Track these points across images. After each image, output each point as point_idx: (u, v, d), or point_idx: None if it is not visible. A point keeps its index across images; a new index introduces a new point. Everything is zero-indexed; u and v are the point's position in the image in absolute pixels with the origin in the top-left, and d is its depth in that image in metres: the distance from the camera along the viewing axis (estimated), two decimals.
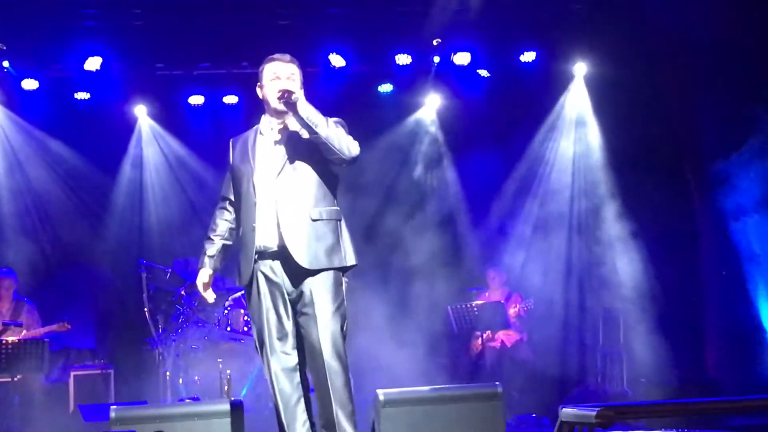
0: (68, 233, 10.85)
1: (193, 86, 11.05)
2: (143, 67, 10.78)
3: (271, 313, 5.09)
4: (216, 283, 9.37)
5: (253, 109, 10.14)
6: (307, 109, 4.94)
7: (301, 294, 5.05)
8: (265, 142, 5.25)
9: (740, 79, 9.92)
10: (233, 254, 5.56)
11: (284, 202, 5.07)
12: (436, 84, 11.28)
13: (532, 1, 10.27)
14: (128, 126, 11.14)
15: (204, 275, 5.37)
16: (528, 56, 11.04)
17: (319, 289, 5.04)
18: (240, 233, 5.30)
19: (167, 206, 11.07)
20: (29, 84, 10.64)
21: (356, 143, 5.08)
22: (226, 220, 5.44)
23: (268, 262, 5.11)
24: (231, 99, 11.10)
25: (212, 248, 5.40)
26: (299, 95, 4.95)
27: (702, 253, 10.79)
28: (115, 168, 11.01)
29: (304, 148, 5.10)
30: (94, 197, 10.97)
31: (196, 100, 11.10)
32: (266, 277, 5.11)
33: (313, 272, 5.03)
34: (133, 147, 11.14)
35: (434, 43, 10.83)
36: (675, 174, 10.79)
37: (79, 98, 10.85)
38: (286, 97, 4.96)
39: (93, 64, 10.40)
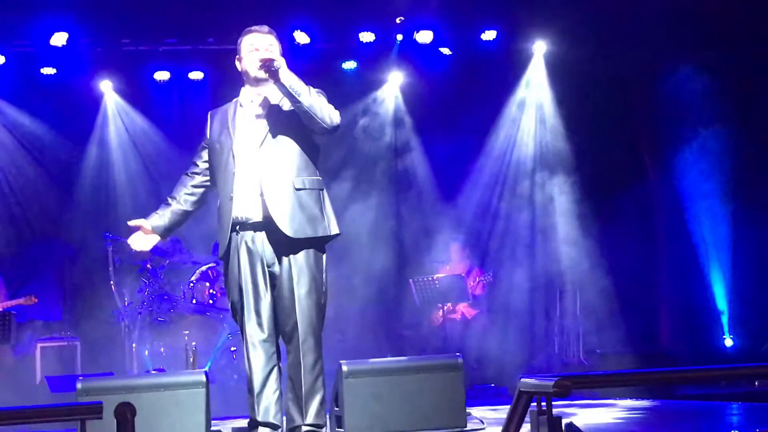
0: (35, 207, 10.81)
1: (158, 62, 10.99)
2: (109, 42, 10.73)
3: (249, 285, 5.07)
4: (182, 256, 9.45)
5: (218, 84, 10.20)
6: (289, 78, 4.89)
7: (281, 265, 5.04)
8: (245, 114, 5.19)
9: (699, 63, 10.00)
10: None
11: (267, 172, 5.03)
12: (399, 61, 11.29)
13: None
14: (95, 101, 11.09)
15: (139, 222, 5.31)
16: (489, 35, 11.06)
17: (301, 261, 5.05)
18: (219, 203, 5.21)
19: (132, 181, 11.04)
20: None
21: (337, 112, 5.07)
22: (185, 185, 5.35)
23: (250, 233, 5.06)
24: (197, 75, 11.08)
25: (162, 208, 5.33)
26: (281, 63, 4.90)
27: (657, 233, 10.89)
28: (82, 143, 10.97)
29: (285, 119, 5.07)
30: (60, 171, 10.93)
31: (162, 75, 11.04)
32: (247, 248, 5.07)
33: (296, 242, 5.02)
34: (99, 122, 11.10)
35: (397, 21, 10.84)
36: (633, 154, 10.87)
37: (45, 73, 10.79)
38: (268, 64, 4.90)
39: (59, 39, 10.34)
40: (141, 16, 10.40)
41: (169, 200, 5.35)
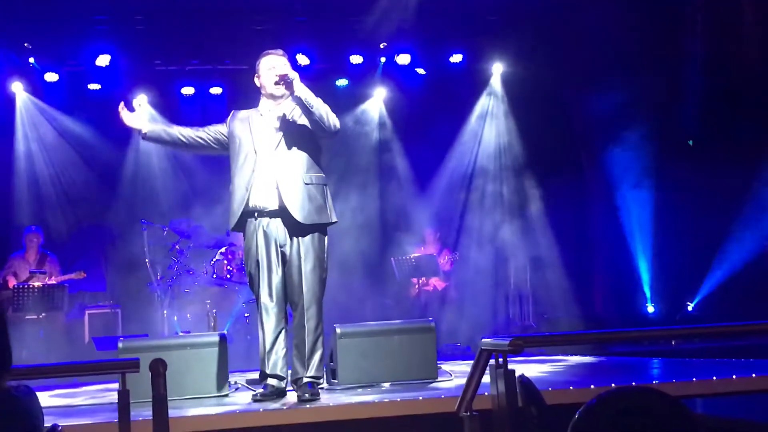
0: (83, 199, 10.77)
1: (185, 79, 11.00)
2: (144, 63, 10.72)
3: (264, 261, 5.19)
4: (204, 239, 9.43)
5: (234, 98, 10.17)
6: (303, 89, 5.03)
7: (291, 246, 5.16)
8: (263, 121, 5.29)
9: (623, 81, 10.04)
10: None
11: (282, 170, 5.15)
12: (383, 79, 11.27)
13: (458, 13, 10.28)
14: (132, 111, 11.05)
15: (140, 111, 5.51)
16: (456, 57, 11.09)
17: (308, 243, 5.18)
18: (231, 187, 5.29)
19: (163, 176, 11.00)
20: (51, 77, 10.54)
21: (337, 118, 5.24)
22: (189, 130, 5.50)
23: (267, 219, 5.18)
24: (216, 90, 11.09)
25: (164, 127, 5.57)
26: (295, 76, 5.03)
27: (592, 216, 10.90)
28: (122, 146, 10.92)
29: (296, 127, 5.21)
30: (104, 169, 10.88)
31: (188, 90, 11.05)
32: (264, 231, 5.19)
33: (305, 227, 5.14)
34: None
35: (381, 46, 10.84)
36: (572, 153, 10.89)
37: (91, 88, 10.77)
38: (285, 78, 5.03)
39: (103, 60, 10.35)
40: (170, 41, 10.42)
41: (172, 125, 5.56)
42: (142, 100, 5.42)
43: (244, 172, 5.19)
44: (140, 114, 5.43)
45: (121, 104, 5.40)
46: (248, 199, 5.16)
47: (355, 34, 10.56)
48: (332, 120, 5.17)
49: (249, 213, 5.22)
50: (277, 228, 5.17)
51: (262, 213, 5.17)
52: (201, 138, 5.43)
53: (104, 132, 10.82)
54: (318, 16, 10.41)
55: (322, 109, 5.10)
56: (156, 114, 11.04)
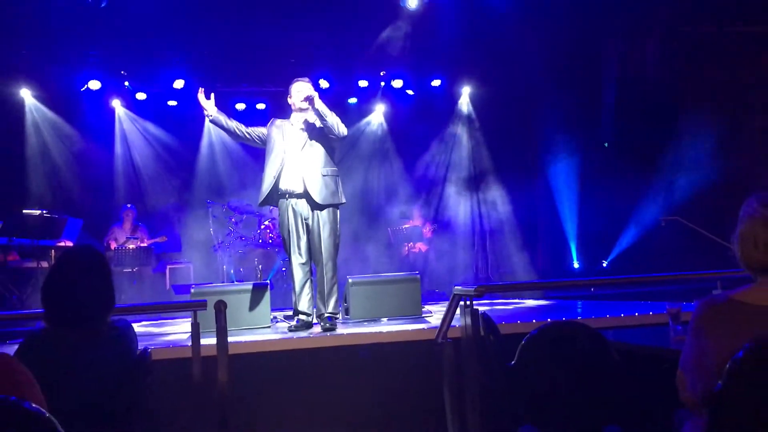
0: (163, 186, 10.74)
1: (238, 98, 10.94)
2: (208, 85, 10.54)
3: (293, 231, 5.26)
4: (252, 214, 9.43)
5: (274, 112, 10.15)
6: (320, 104, 5.10)
7: (313, 219, 5.23)
8: (293, 129, 5.35)
9: (557, 98, 10.02)
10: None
11: (306, 165, 5.22)
12: (382, 98, 11.23)
13: (437, 49, 10.23)
14: (201, 122, 11.02)
15: (212, 100, 5.42)
16: (436, 82, 11.01)
17: (325, 217, 5.24)
18: (263, 175, 5.34)
19: (222, 168, 10.99)
20: (140, 96, 10.50)
21: (345, 127, 5.29)
22: (239, 126, 5.46)
23: (294, 199, 5.25)
24: (261, 106, 11.00)
25: (228, 117, 5.46)
26: (315, 95, 5.11)
27: (535, 198, 10.89)
28: (193, 147, 10.91)
29: (317, 133, 5.29)
30: (178, 164, 10.84)
31: (240, 106, 10.99)
32: (292, 209, 5.25)
33: (323, 206, 5.19)
34: (205, 135, 11.03)
35: (381, 73, 10.80)
36: (525, 155, 10.86)
37: (170, 105, 10.73)
38: (308, 98, 5.10)
39: (178, 84, 10.29)
40: (227, 69, 10.40)
41: (233, 120, 5.47)
42: (212, 96, 5.42)
43: (274, 164, 5.26)
44: (212, 102, 5.38)
45: (201, 90, 5.39)
46: (276, 185, 5.24)
47: (362, 64, 10.53)
48: (341, 128, 5.24)
49: (281, 194, 5.28)
50: (302, 206, 5.25)
51: (292, 195, 5.24)
52: (249, 134, 5.46)
53: (179, 136, 10.82)
54: (335, 52, 10.37)
55: (333, 119, 5.18)
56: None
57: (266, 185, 5.26)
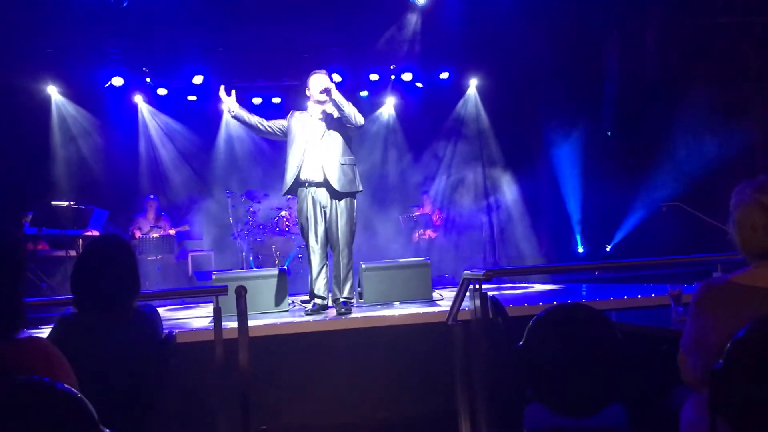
0: (184, 176, 10.79)
1: (255, 92, 10.94)
2: (226, 80, 10.58)
3: (312, 218, 5.25)
4: (271, 202, 9.45)
5: (289, 105, 10.15)
6: (337, 95, 5.10)
7: (331, 206, 5.21)
8: (312, 120, 5.33)
9: (561, 89, 9.97)
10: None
11: (325, 154, 5.20)
12: (392, 91, 11.21)
13: (445, 43, 10.20)
14: (219, 115, 11.04)
15: (233, 97, 5.40)
16: (444, 75, 11.00)
17: (342, 205, 5.23)
18: (285, 165, 5.31)
19: (239, 160, 11.01)
20: (161, 91, 10.53)
21: (362, 117, 5.28)
22: (260, 120, 5.44)
23: (314, 188, 5.23)
24: (276, 100, 11.01)
25: (248, 112, 5.45)
26: (332, 86, 5.11)
27: (540, 185, 10.85)
28: (211, 139, 10.94)
29: (334, 123, 5.27)
30: (196, 156, 10.89)
31: (257, 100, 10.99)
32: (311, 196, 5.23)
33: (341, 194, 5.18)
34: (223, 128, 11.05)
35: (391, 67, 10.77)
36: (526, 139, 10.82)
37: (190, 99, 10.75)
38: (326, 90, 5.11)
39: (198, 79, 10.31)
40: (244, 65, 10.40)
41: (253, 115, 5.47)
42: (233, 93, 5.42)
43: (296, 155, 5.23)
44: (233, 98, 5.37)
45: (222, 87, 5.40)
46: (298, 174, 5.20)
47: (373, 59, 10.51)
48: (358, 118, 5.21)
49: (301, 183, 5.25)
50: (321, 194, 5.22)
51: (311, 183, 5.22)
52: (270, 127, 5.44)
53: (198, 129, 10.87)
54: (347, 48, 10.35)
55: (350, 109, 5.16)
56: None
57: (290, 175, 5.23)
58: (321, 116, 5.32)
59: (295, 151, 5.26)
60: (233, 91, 5.44)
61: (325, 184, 5.19)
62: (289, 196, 5.50)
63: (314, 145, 5.24)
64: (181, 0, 8.45)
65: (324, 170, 5.18)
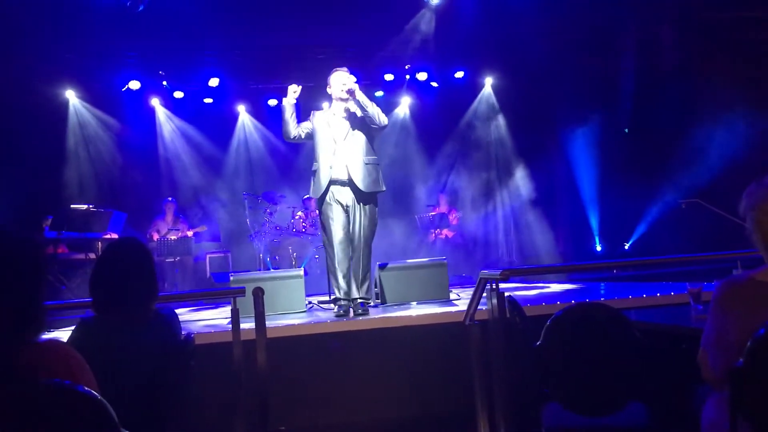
0: (201, 178, 10.85)
1: (270, 94, 10.98)
2: (242, 83, 10.74)
3: (334, 218, 5.19)
4: (285, 205, 9.48)
5: (305, 106, 10.16)
6: (361, 96, 5.11)
7: (354, 206, 5.19)
8: (336, 118, 5.31)
9: (577, 86, 9.92)
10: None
11: (350, 154, 5.20)
12: (407, 91, 11.22)
13: (460, 42, 10.19)
14: (235, 117, 11.11)
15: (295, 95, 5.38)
16: (459, 74, 10.99)
17: (365, 204, 5.21)
18: (315, 165, 5.29)
19: (256, 162, 11.07)
20: (178, 94, 10.60)
21: (385, 116, 5.27)
22: (298, 124, 5.38)
23: (338, 187, 5.20)
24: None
25: (295, 123, 5.39)
26: (356, 87, 5.12)
27: (557, 183, 10.83)
28: (225, 141, 11.03)
29: (358, 122, 5.26)
30: (211, 158, 10.97)
31: (272, 102, 11.04)
32: (336, 196, 5.21)
33: (365, 194, 5.17)
34: (238, 129, 11.12)
35: (406, 67, 10.78)
36: (542, 138, 10.78)
37: (206, 102, 10.81)
38: (350, 91, 5.11)
39: (214, 82, 10.37)
40: (259, 67, 10.48)
41: (295, 120, 5.39)
42: (296, 88, 5.39)
43: (326, 154, 5.22)
44: (295, 95, 5.36)
45: (293, 86, 5.37)
46: (331, 174, 5.19)
47: (387, 59, 10.52)
48: (382, 118, 5.21)
49: (328, 183, 5.24)
50: (345, 193, 5.20)
51: (336, 182, 5.21)
52: (300, 131, 5.38)
53: (215, 131, 10.96)
54: (362, 47, 10.37)
55: (374, 109, 5.16)
56: (253, 119, 11.14)
57: (324, 176, 5.19)
58: (345, 115, 5.31)
59: (325, 150, 5.23)
60: (300, 87, 5.39)
61: (350, 183, 5.18)
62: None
63: (339, 145, 5.23)
64: (197, 3, 8.49)
65: (348, 170, 5.17)
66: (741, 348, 1.99)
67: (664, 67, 9.96)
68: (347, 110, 5.30)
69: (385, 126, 5.29)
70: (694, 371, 2.33)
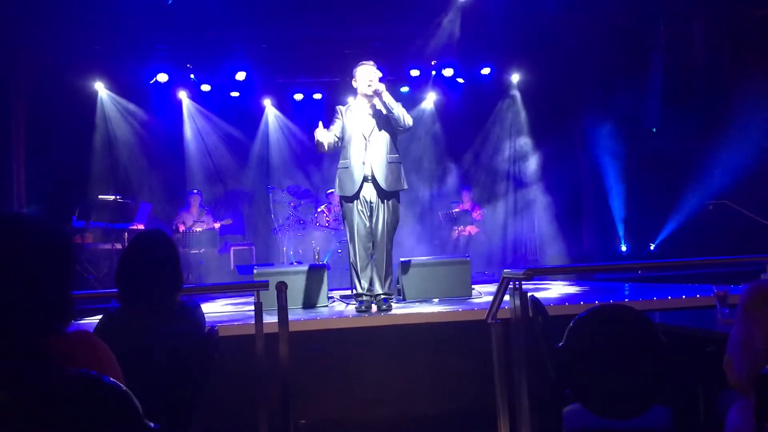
0: (226, 171, 10.97)
1: (296, 88, 11.06)
2: (269, 77, 10.80)
3: (358, 214, 5.16)
4: (310, 198, 9.53)
5: (330, 101, 10.21)
6: (388, 97, 5.08)
7: (377, 203, 5.15)
8: (362, 114, 5.25)
9: (605, 84, 9.84)
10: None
11: (374, 151, 5.16)
12: (433, 87, 11.21)
13: (487, 38, 10.15)
14: (261, 111, 11.18)
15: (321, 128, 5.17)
16: (485, 70, 10.96)
17: (388, 201, 5.17)
18: (345, 163, 5.17)
19: (281, 156, 11.13)
20: (205, 87, 10.69)
21: (411, 118, 5.24)
22: (333, 134, 5.19)
23: (366, 183, 5.16)
24: (317, 96, 11.12)
25: (329, 134, 5.19)
26: (383, 88, 5.08)
27: (582, 181, 10.75)
28: (251, 134, 11.10)
29: (382, 120, 5.20)
30: (239, 150, 11.08)
31: (298, 96, 11.11)
32: (361, 192, 5.16)
33: (387, 192, 5.13)
34: (263, 122, 11.19)
35: (432, 63, 10.76)
36: (568, 135, 10.72)
37: (233, 95, 10.89)
38: (376, 92, 5.09)
39: (240, 75, 10.44)
40: (286, 61, 10.54)
41: (330, 134, 5.19)
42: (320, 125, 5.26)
43: (358, 151, 5.15)
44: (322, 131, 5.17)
45: (320, 124, 5.21)
46: (364, 171, 5.12)
47: (413, 54, 10.52)
48: (407, 119, 5.18)
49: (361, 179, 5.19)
50: (369, 191, 5.15)
51: (366, 179, 5.15)
52: (334, 136, 5.22)
53: (241, 125, 11.04)
54: (388, 43, 10.39)
55: (400, 111, 5.13)
56: (279, 113, 11.19)
57: (357, 172, 5.12)
58: (370, 111, 5.26)
59: (356, 147, 5.16)
60: (320, 124, 5.22)
61: (373, 181, 5.14)
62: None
63: (368, 141, 5.18)
64: None
65: (372, 167, 5.13)
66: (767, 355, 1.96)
67: (694, 65, 9.83)
68: (373, 106, 5.27)
69: (410, 128, 5.26)
70: (718, 376, 2.30)
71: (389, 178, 5.13)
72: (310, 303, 5.78)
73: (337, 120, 5.31)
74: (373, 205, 5.17)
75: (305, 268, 5.99)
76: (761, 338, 2.07)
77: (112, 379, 1.48)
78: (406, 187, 5.28)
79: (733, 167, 9.22)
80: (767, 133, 8.97)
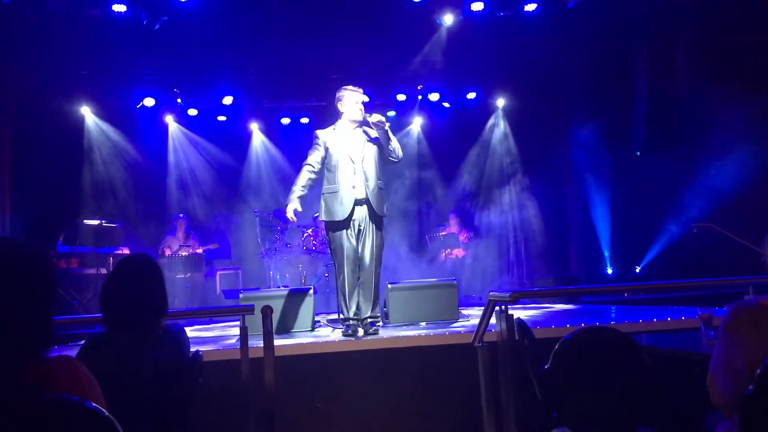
0: (213, 195, 10.92)
1: (283, 113, 11.08)
2: (256, 101, 10.82)
3: (348, 236, 5.13)
4: (297, 222, 9.50)
5: (316, 125, 10.23)
6: (389, 132, 5.15)
7: (366, 226, 5.14)
8: (347, 138, 5.23)
9: (589, 108, 9.93)
10: (311, 199, 5.61)
11: (364, 176, 5.16)
12: (419, 111, 11.28)
13: (472, 63, 10.24)
14: (248, 135, 11.17)
15: (295, 206, 5.19)
16: (471, 95, 11.04)
17: (376, 227, 5.17)
18: (333, 188, 5.14)
19: (269, 179, 11.12)
20: (192, 111, 10.69)
21: (402, 152, 5.31)
22: (310, 179, 5.24)
23: (356, 207, 5.15)
24: (304, 120, 11.14)
25: (300, 194, 5.20)
26: (383, 119, 5.12)
27: (568, 205, 10.81)
28: (240, 158, 11.09)
29: (369, 145, 5.22)
30: (226, 175, 11.04)
31: (285, 120, 11.13)
32: (351, 215, 5.14)
33: (376, 216, 5.12)
34: (252, 147, 11.19)
35: (418, 87, 10.84)
36: (553, 159, 10.77)
37: (220, 120, 10.90)
38: (379, 124, 5.08)
39: (228, 100, 10.45)
40: (273, 86, 10.59)
41: (303, 189, 5.23)
42: (296, 206, 5.24)
43: (347, 175, 5.11)
44: (294, 206, 5.22)
45: (292, 212, 5.23)
46: (354, 195, 5.11)
47: (400, 79, 10.59)
48: (399, 152, 5.25)
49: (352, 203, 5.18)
50: (361, 213, 5.14)
51: (357, 203, 5.15)
52: (317, 166, 5.25)
53: (227, 149, 11.02)
54: (375, 68, 10.45)
55: (396, 143, 5.19)
56: (265, 138, 11.20)
57: (347, 197, 5.08)
58: (357, 135, 5.25)
59: (344, 171, 5.12)
60: (293, 206, 5.23)
61: (366, 203, 5.13)
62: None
63: (357, 164, 5.16)
64: (212, 22, 8.59)
65: (366, 191, 5.12)
66: (750, 374, 1.97)
67: (677, 90, 9.96)
68: (363, 132, 5.26)
69: (401, 160, 5.29)
70: (704, 397, 2.31)
71: (379, 203, 5.15)
72: (296, 327, 5.75)
73: (317, 148, 5.25)
74: (362, 228, 5.15)
75: (292, 291, 5.97)
76: (743, 358, 2.08)
77: (94, 404, 1.47)
78: (387, 213, 5.30)
79: (717, 190, 9.31)
80: (750, 156, 9.08)
